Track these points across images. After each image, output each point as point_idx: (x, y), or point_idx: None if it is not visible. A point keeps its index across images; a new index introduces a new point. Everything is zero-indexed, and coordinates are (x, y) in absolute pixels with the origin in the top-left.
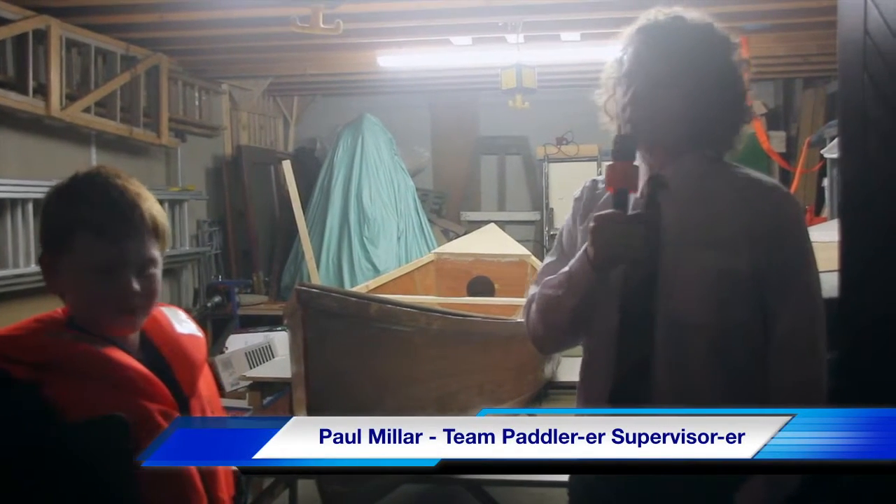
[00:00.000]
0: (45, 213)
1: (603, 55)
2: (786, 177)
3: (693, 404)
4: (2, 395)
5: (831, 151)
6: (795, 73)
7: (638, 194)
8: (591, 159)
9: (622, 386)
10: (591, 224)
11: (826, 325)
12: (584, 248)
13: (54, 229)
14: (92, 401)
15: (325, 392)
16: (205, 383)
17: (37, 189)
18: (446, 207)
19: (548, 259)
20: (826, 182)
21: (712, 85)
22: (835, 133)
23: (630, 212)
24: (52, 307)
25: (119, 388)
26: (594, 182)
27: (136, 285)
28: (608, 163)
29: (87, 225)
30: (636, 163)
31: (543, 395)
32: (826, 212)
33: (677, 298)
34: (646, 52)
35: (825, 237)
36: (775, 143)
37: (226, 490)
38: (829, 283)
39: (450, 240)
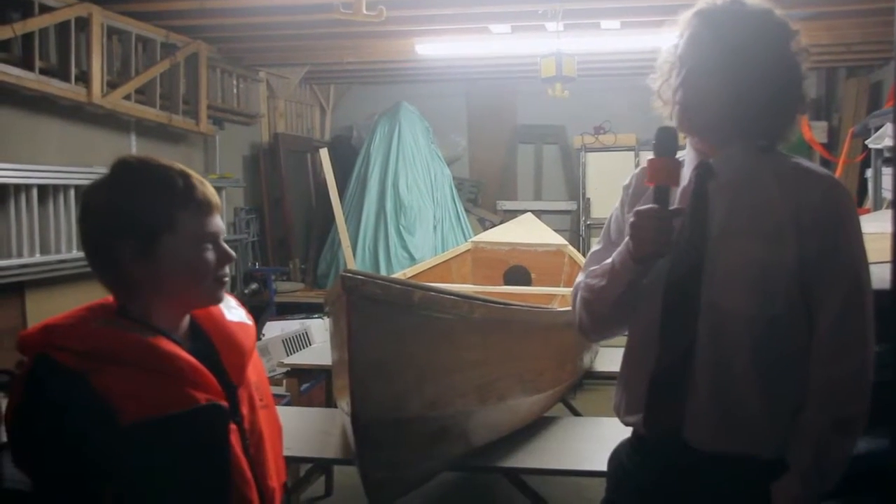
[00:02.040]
0: (132, 202)
1: (643, 43)
2: (828, 167)
3: (733, 395)
4: (50, 383)
5: (876, 142)
6: (839, 62)
7: (686, 181)
8: (628, 149)
9: (663, 374)
10: (631, 219)
11: (874, 317)
12: (626, 240)
13: (150, 213)
14: (139, 390)
15: (367, 379)
16: (254, 369)
17: (78, 176)
18: (482, 196)
19: (595, 247)
20: (869, 173)
21: (767, 73)
22: (879, 123)
23: (674, 206)
24: (95, 291)
25: (168, 377)
26: (643, 170)
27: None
28: (649, 157)
29: (186, 202)
30: (685, 157)
31: (581, 384)
32: (869, 203)
33: (721, 287)
34: (701, 37)
35: (872, 228)
36: (817, 133)
37: (276, 478)
38: (879, 275)
39: (486, 229)
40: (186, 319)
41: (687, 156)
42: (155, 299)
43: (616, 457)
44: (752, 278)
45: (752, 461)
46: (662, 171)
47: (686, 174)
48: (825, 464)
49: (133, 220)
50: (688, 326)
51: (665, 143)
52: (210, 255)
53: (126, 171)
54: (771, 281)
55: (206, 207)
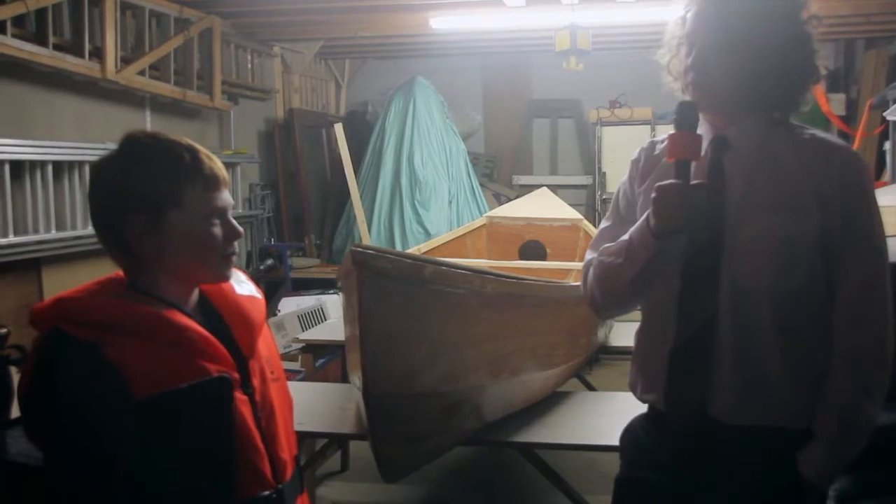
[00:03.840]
0: (139, 177)
1: (658, 16)
2: (845, 140)
3: (757, 367)
4: (62, 355)
5: (894, 114)
6: (857, 34)
7: (701, 154)
8: (644, 123)
9: (683, 350)
10: (653, 195)
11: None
12: (644, 216)
13: (157, 188)
14: (152, 362)
15: (379, 354)
16: (264, 344)
17: (93, 152)
18: (498, 171)
19: (604, 224)
20: (888, 145)
21: (778, 45)
22: None
23: (692, 181)
24: (110, 267)
25: (179, 349)
26: (652, 143)
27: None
28: (670, 131)
29: (193, 177)
30: (699, 131)
31: (595, 359)
32: (887, 175)
33: (742, 261)
34: (709, 13)
35: (891, 201)
36: (835, 105)
37: (287, 450)
38: None
39: (501, 203)
40: (196, 294)
41: (701, 129)
42: (163, 274)
43: (631, 432)
44: (773, 251)
45: (776, 432)
46: (684, 145)
47: (704, 147)
48: (851, 431)
49: (140, 195)
50: (708, 301)
51: (686, 118)
52: (217, 230)
53: (134, 147)
54: (793, 253)
55: (213, 182)
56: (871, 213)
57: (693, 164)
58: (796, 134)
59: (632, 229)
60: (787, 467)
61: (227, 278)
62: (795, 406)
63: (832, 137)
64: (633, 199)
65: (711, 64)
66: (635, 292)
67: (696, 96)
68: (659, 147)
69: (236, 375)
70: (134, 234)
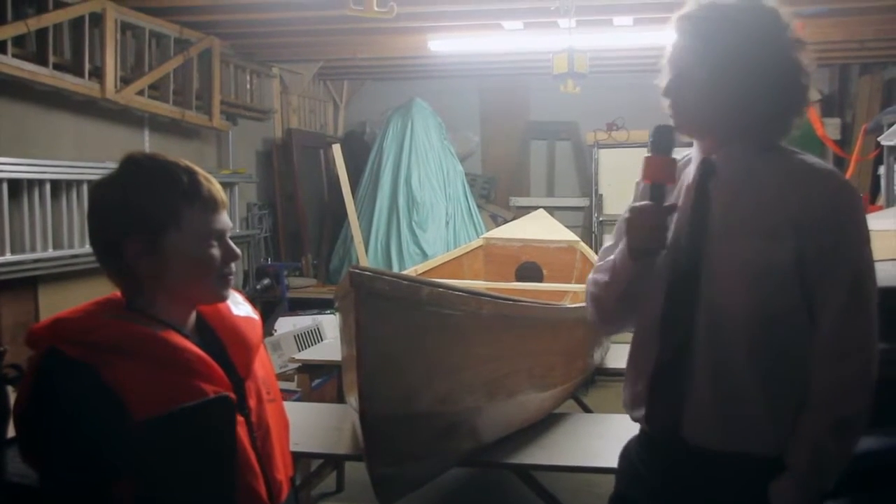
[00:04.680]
0: (138, 198)
1: (655, 40)
2: (840, 164)
3: (732, 394)
4: (60, 375)
5: (888, 139)
6: (852, 59)
7: (691, 177)
8: (641, 145)
9: (662, 371)
10: (626, 215)
11: (887, 315)
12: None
13: (155, 209)
14: (149, 383)
15: (376, 375)
16: (261, 364)
17: (92, 171)
18: (495, 192)
19: (607, 242)
20: (882, 170)
21: (761, 74)
22: (892, 120)
23: (666, 203)
24: (107, 286)
25: (176, 370)
26: None
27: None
28: (646, 154)
29: (192, 199)
30: (692, 152)
31: (591, 380)
32: (881, 200)
33: (719, 286)
34: (684, 42)
35: (885, 225)
36: (830, 129)
37: (283, 471)
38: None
39: (498, 225)
40: (193, 315)
41: (693, 152)
42: (161, 295)
43: (626, 453)
44: (749, 277)
45: (751, 459)
46: (658, 168)
47: (692, 170)
48: (822, 464)
49: (139, 216)
50: (685, 323)
51: (661, 142)
52: (215, 251)
53: (132, 168)
54: (768, 280)
55: (211, 204)
56: (854, 241)
57: (683, 185)
58: (785, 159)
59: (617, 250)
60: (764, 496)
61: (224, 299)
62: (773, 434)
63: (821, 164)
64: None
65: (689, 90)
66: (625, 310)
67: (677, 121)
68: None
69: (233, 396)
70: (133, 255)
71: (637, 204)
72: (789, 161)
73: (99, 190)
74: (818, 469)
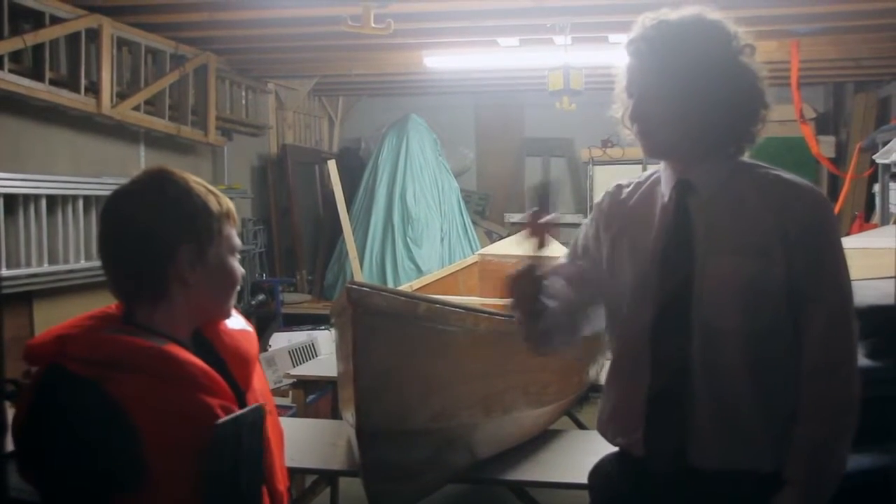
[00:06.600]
0: (193, 207)
1: None
2: (835, 182)
3: (734, 412)
4: (65, 391)
5: (883, 157)
6: (847, 78)
7: (666, 198)
8: (636, 162)
9: (660, 396)
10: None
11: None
12: None
13: (207, 219)
14: (153, 397)
15: (372, 391)
16: (257, 377)
17: (88, 186)
18: (490, 209)
19: (559, 261)
20: (877, 188)
21: (710, 83)
22: (887, 138)
23: (662, 225)
24: (102, 301)
25: (181, 383)
26: (618, 187)
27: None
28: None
29: (225, 215)
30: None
31: (586, 397)
32: (876, 218)
33: (712, 306)
34: (641, 63)
35: (879, 243)
36: (824, 147)
37: (282, 482)
38: (886, 290)
39: (493, 241)
40: (191, 329)
41: (663, 173)
42: (175, 308)
43: (600, 472)
44: (741, 295)
45: (752, 476)
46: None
47: (665, 191)
48: (821, 476)
49: (194, 224)
50: (681, 347)
51: (540, 199)
52: (238, 266)
53: (171, 182)
54: (761, 297)
55: (234, 221)
56: (836, 254)
57: (658, 206)
58: (761, 174)
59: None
60: None
61: (230, 315)
62: (771, 448)
63: (797, 178)
64: (590, 243)
65: (655, 111)
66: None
67: (647, 146)
68: (625, 191)
69: (236, 408)
70: (186, 262)
71: (517, 271)
72: (765, 177)
73: (146, 197)
74: (816, 481)
